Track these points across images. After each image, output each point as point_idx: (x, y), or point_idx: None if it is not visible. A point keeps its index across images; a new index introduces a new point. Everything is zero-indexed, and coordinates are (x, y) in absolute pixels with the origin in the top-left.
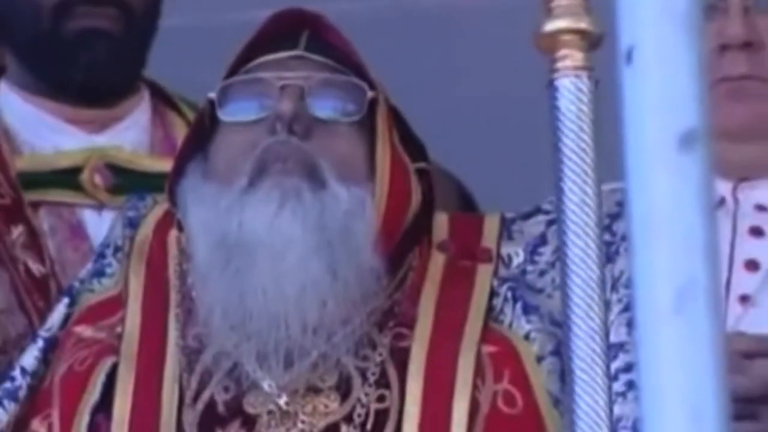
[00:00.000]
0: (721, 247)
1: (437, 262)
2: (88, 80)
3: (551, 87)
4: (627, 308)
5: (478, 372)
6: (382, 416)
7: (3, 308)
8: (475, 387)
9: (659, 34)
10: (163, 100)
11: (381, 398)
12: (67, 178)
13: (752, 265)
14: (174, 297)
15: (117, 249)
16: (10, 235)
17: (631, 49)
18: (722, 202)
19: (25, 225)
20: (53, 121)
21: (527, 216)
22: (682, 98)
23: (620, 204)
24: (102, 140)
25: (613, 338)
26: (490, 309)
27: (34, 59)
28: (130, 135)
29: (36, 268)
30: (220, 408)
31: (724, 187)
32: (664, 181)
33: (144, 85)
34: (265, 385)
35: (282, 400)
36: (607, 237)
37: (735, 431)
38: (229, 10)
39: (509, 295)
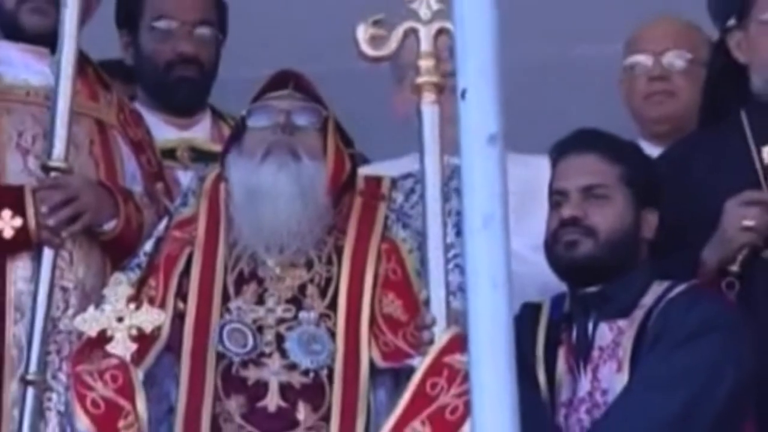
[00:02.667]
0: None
1: (358, 201)
2: (181, 103)
3: (419, 112)
4: (456, 225)
5: (378, 257)
6: (328, 280)
7: (151, 223)
8: (376, 265)
9: (477, 84)
10: (217, 114)
11: (328, 270)
12: (169, 153)
13: None
14: (222, 217)
15: (193, 192)
16: (156, 187)
17: (464, 91)
18: None
19: (164, 182)
20: (162, 124)
21: (404, 177)
22: (489, 117)
23: (454, 171)
24: (187, 134)
25: (448, 240)
26: (385, 225)
27: (153, 91)
28: (200, 131)
29: (169, 206)
30: (245, 274)
31: None
32: (479, 161)
33: (208, 106)
34: (269, 262)
35: (277, 270)
36: (446, 189)
37: None
38: (251, 67)
39: (395, 218)
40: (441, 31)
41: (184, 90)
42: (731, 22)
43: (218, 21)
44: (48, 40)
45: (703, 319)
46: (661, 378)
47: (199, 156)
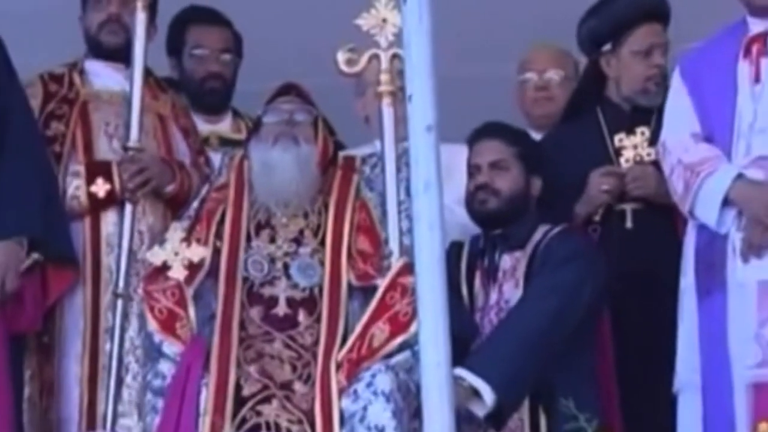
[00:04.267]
0: None
1: (339, 173)
2: (211, 106)
3: (380, 111)
4: (406, 188)
5: (353, 210)
6: (319, 226)
7: (196, 184)
8: (352, 216)
9: (419, 91)
10: (236, 113)
11: (319, 219)
12: (204, 140)
13: None
14: (245, 184)
15: (225, 166)
16: (199, 160)
17: (410, 96)
18: None
19: (204, 156)
20: (198, 120)
21: (370, 156)
22: (427, 113)
23: (406, 151)
24: (216, 127)
25: (401, 198)
26: (357, 189)
27: (192, 98)
28: (225, 125)
29: (208, 173)
30: (262, 222)
31: None
32: (421, 143)
33: (230, 108)
34: (278, 214)
35: (284, 219)
36: (398, 163)
37: None
38: (261, 81)
39: (364, 184)
40: (395, 56)
41: (213, 97)
42: (607, 47)
43: (236, 49)
44: (120, 54)
45: (573, 250)
46: (545, 289)
47: (224, 142)
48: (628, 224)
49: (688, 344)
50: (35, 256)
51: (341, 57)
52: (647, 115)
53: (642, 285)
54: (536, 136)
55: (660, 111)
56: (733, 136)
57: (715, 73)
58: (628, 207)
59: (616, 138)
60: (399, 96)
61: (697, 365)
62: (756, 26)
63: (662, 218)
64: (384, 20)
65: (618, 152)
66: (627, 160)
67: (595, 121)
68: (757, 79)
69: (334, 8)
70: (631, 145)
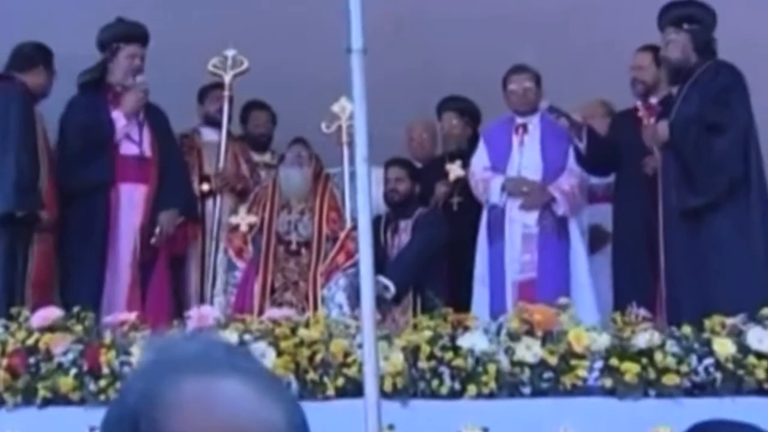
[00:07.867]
0: None
1: (322, 181)
2: (261, 148)
3: (342, 151)
4: (354, 188)
5: (329, 199)
6: (312, 207)
7: (252, 186)
8: (329, 202)
9: (360, 141)
10: (273, 151)
11: (312, 203)
12: (256, 164)
13: None
14: (277, 186)
15: (267, 177)
16: (253, 174)
17: (355, 143)
18: None
19: (257, 173)
20: (254, 155)
21: (338, 172)
22: (364, 150)
23: (354, 171)
24: (263, 158)
25: (351, 193)
26: (331, 191)
27: (252, 144)
28: (267, 157)
29: (259, 181)
30: (285, 205)
31: None
32: (361, 167)
33: (270, 148)
34: (293, 200)
35: (294, 203)
36: (351, 177)
37: None
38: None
39: (334, 187)
40: (350, 125)
41: (262, 144)
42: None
43: (273, 121)
44: (218, 124)
45: (432, 221)
46: (419, 239)
47: (267, 166)
48: (455, 208)
49: (482, 263)
50: (181, 218)
51: (323, 125)
52: (464, 157)
53: (461, 237)
54: (419, 165)
55: (468, 155)
56: (507, 169)
57: (500, 139)
58: (454, 200)
59: (447, 166)
60: (352, 143)
61: (487, 273)
62: (519, 120)
63: (471, 206)
64: (344, 107)
65: (448, 173)
66: (451, 177)
67: (441, 158)
68: (521, 144)
69: (321, 103)
70: (453, 170)
